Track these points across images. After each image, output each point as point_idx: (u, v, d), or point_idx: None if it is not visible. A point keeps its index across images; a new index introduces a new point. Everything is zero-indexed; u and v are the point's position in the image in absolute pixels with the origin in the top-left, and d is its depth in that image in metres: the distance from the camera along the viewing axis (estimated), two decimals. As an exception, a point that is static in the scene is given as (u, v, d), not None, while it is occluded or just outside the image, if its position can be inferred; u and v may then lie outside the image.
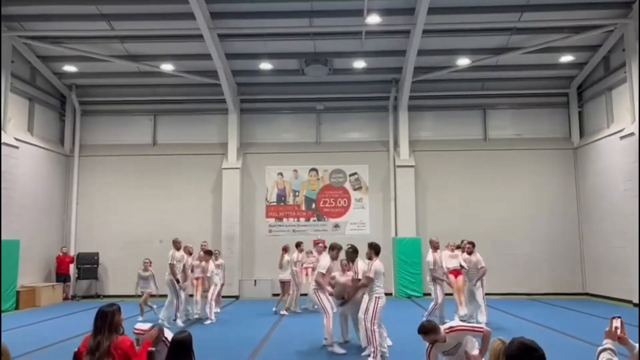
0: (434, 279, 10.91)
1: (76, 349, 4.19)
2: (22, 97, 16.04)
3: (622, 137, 14.64)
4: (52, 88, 17.79)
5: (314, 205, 18.14)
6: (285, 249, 13.79)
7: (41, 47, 15.74)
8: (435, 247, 11.19)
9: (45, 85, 17.41)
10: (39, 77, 17.08)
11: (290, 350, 8.58)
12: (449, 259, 11.34)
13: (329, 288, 8.83)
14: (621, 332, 3.30)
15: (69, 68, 16.96)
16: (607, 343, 3.30)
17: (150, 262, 12.60)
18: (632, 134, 14.11)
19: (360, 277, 8.10)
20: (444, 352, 5.29)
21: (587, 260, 17.09)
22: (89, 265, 17.33)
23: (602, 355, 3.25)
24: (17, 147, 15.05)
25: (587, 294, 16.85)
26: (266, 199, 18.19)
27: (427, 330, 5.09)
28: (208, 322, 11.63)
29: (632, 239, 13.81)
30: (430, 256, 11.05)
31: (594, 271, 16.62)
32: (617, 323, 3.35)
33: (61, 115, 18.43)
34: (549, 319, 11.56)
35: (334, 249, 8.97)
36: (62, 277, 16.79)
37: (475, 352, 5.31)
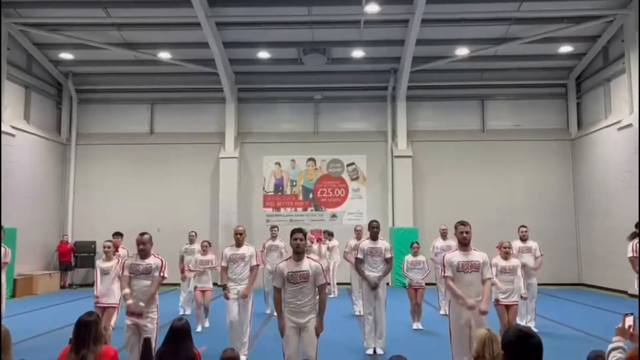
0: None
1: None
2: (18, 85, 15.93)
3: (619, 129, 14.64)
4: (48, 76, 17.67)
5: (311, 195, 18.13)
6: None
7: (37, 35, 15.60)
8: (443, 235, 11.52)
9: (41, 73, 17.29)
10: (35, 65, 16.95)
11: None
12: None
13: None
14: (634, 329, 3.23)
15: (66, 56, 16.83)
16: (618, 341, 3.23)
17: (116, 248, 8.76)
18: (630, 125, 14.10)
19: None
20: (461, 262, 5.48)
21: (583, 250, 17.15)
22: (86, 253, 17.32)
23: (612, 354, 3.18)
24: (13, 135, 14.99)
25: (582, 284, 16.93)
26: (263, 188, 18.17)
27: (465, 221, 5.54)
28: None
29: (629, 230, 13.83)
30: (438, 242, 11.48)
31: (589, 262, 16.67)
32: (630, 321, 3.26)
33: (58, 103, 18.34)
34: (545, 309, 11.60)
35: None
36: (64, 265, 16.82)
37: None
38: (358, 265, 7.94)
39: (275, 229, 12.08)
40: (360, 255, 7.84)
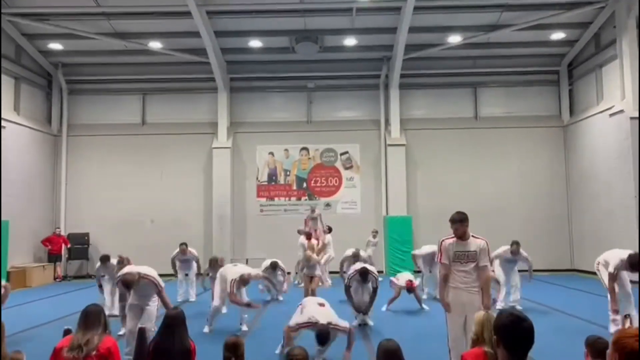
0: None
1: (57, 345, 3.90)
2: (7, 76, 15.73)
3: (611, 115, 14.70)
4: (38, 67, 17.48)
5: (305, 185, 18.13)
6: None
7: (26, 25, 15.40)
8: None
9: (31, 64, 17.10)
10: (25, 56, 16.76)
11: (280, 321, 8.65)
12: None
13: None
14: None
15: (55, 46, 16.65)
16: None
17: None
18: (621, 111, 14.17)
19: None
20: (458, 252, 5.38)
21: (575, 236, 17.29)
22: (79, 245, 17.28)
23: None
24: (3, 127, 14.84)
25: (575, 270, 17.09)
26: (257, 178, 18.14)
27: (463, 218, 5.32)
28: None
29: (621, 216, 13.98)
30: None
31: (582, 248, 16.81)
32: (627, 322, 3.34)
33: (48, 94, 18.16)
34: (537, 295, 11.73)
35: None
36: (54, 257, 16.75)
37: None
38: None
39: None
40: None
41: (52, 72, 17.99)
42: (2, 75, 15.39)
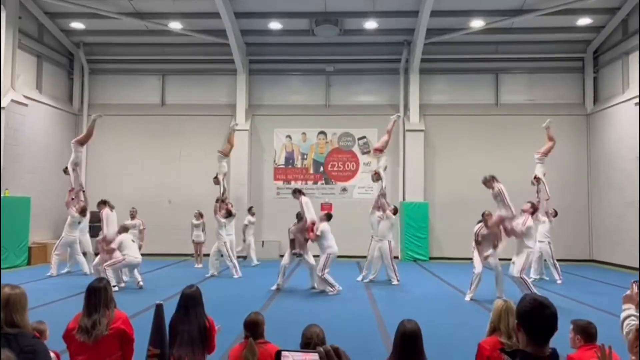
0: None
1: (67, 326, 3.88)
2: (30, 54, 15.90)
3: (637, 104, 14.35)
4: (60, 46, 17.61)
5: (322, 169, 18.10)
6: None
7: (48, 3, 15.49)
8: None
9: (53, 43, 17.24)
10: (47, 34, 16.89)
11: (296, 302, 8.71)
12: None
13: None
14: (636, 295, 3.35)
15: (77, 25, 16.74)
16: (629, 309, 3.31)
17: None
18: (647, 100, 13.83)
19: None
20: None
21: (595, 227, 17.03)
22: (98, 223, 17.42)
23: (626, 322, 3.27)
24: (26, 105, 15.01)
25: (593, 260, 16.87)
26: (274, 161, 18.15)
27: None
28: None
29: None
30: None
31: (601, 238, 16.58)
32: (636, 288, 3.39)
33: (69, 73, 18.31)
34: (555, 285, 11.64)
35: None
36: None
37: None
38: None
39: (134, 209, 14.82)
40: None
41: (74, 51, 18.11)
42: (26, 54, 15.57)
